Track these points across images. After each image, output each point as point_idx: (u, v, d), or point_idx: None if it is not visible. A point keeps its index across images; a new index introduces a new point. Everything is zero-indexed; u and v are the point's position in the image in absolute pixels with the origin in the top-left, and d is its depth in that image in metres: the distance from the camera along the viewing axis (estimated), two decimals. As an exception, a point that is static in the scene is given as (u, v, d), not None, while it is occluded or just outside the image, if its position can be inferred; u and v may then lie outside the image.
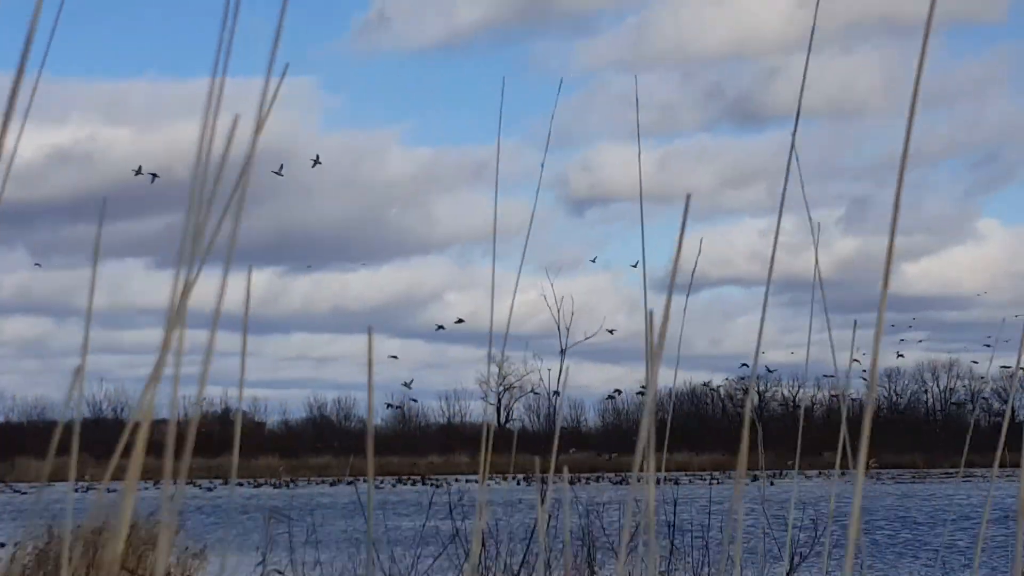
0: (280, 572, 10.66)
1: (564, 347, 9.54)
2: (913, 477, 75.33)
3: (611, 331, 12.51)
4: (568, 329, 9.74)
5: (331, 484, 66.54)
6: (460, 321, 36.04)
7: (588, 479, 52.63)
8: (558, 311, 9.72)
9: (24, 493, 48.88)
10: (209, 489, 53.55)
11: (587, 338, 9.64)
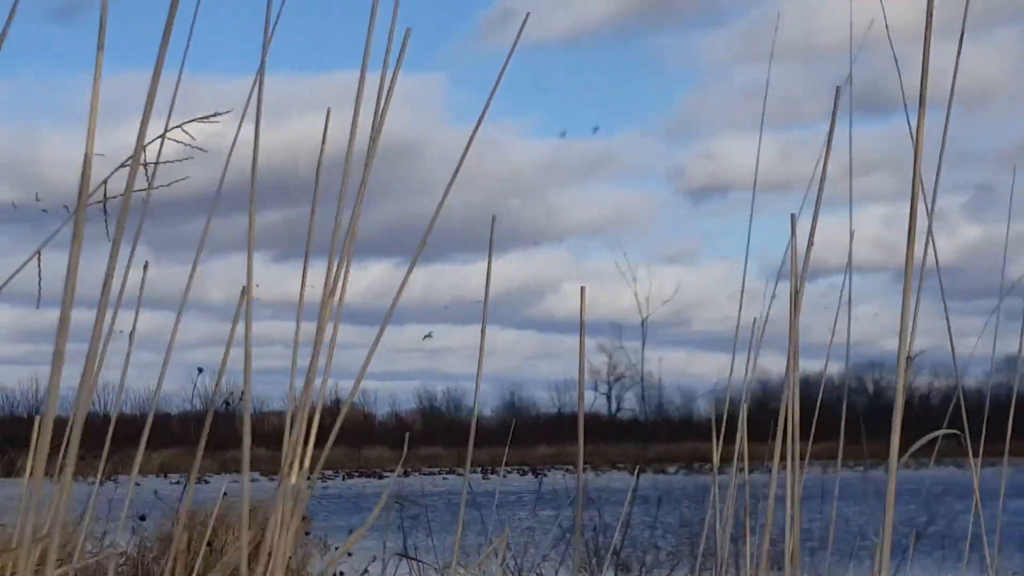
0: (405, 555, 10.76)
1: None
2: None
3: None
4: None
5: (447, 473, 66.73)
6: (428, 336, 36.86)
7: (700, 467, 52.28)
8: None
9: (138, 484, 49.62)
10: (322, 479, 53.70)
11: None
